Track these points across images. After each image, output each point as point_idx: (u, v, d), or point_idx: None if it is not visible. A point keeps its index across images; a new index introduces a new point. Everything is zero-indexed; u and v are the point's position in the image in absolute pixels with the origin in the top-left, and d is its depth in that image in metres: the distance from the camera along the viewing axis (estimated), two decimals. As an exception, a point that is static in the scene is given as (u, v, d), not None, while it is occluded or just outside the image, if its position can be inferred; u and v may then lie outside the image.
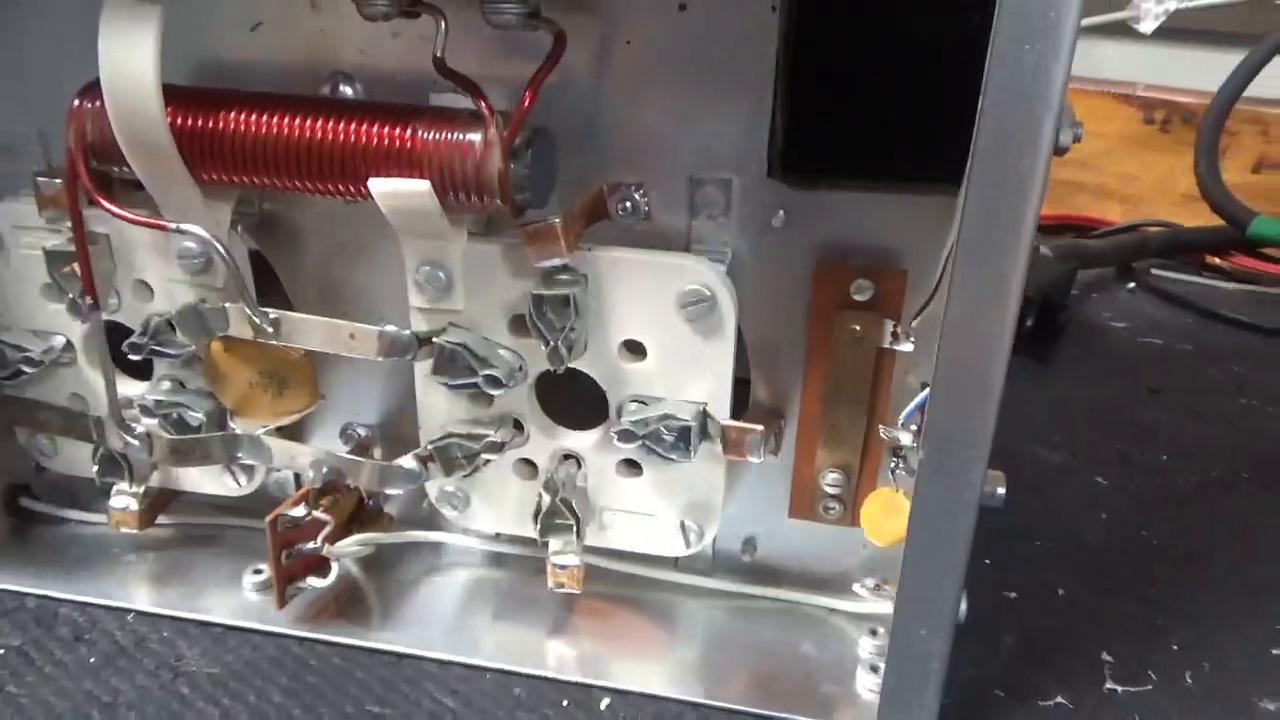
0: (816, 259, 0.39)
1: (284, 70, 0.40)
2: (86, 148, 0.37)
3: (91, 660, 0.40)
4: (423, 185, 0.34)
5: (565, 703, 0.38)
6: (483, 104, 0.34)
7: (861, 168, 0.37)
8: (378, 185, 0.35)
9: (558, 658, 0.41)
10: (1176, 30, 0.89)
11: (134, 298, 0.42)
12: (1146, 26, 0.85)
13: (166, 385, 0.43)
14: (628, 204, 0.39)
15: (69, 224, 0.40)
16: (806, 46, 0.36)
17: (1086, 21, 0.31)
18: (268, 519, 0.40)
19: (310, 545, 0.41)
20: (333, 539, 0.41)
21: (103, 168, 0.38)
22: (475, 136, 0.34)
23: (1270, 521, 0.52)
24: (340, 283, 0.44)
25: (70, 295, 0.41)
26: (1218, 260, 0.90)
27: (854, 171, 0.37)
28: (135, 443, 0.41)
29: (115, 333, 0.43)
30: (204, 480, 0.45)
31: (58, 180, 0.39)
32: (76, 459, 0.46)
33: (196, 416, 0.42)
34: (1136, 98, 0.94)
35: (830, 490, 0.41)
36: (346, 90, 0.40)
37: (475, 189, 0.35)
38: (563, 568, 0.41)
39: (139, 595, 0.44)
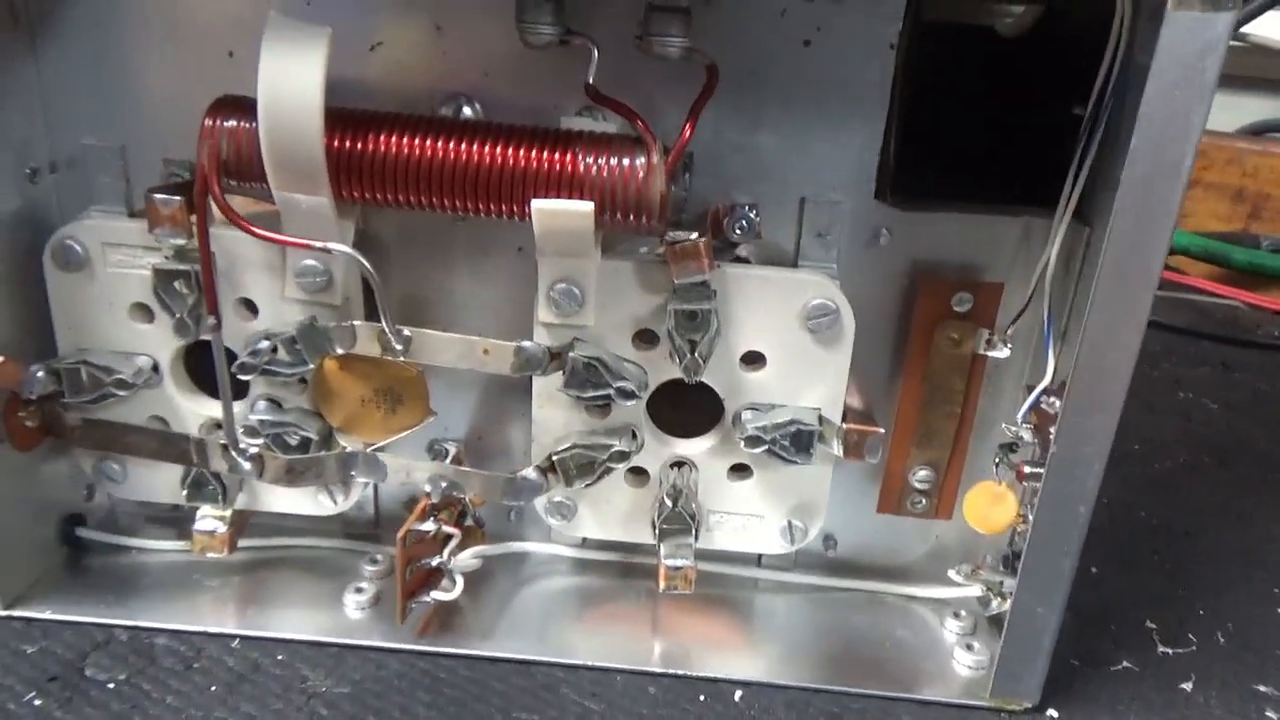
0: (912, 274, 0.42)
1: (399, 91, 0.40)
2: (220, 166, 0.37)
3: (212, 689, 0.39)
4: (586, 206, 0.36)
5: (702, 697, 0.40)
6: (643, 129, 0.36)
7: (963, 192, 0.41)
8: (542, 205, 0.36)
9: (676, 655, 0.43)
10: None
11: (235, 316, 0.41)
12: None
13: (263, 405, 0.42)
14: (743, 223, 0.41)
15: (172, 241, 0.39)
16: (919, 83, 0.39)
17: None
18: (399, 534, 0.40)
19: (437, 559, 0.41)
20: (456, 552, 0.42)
21: (230, 186, 0.37)
22: (640, 160, 0.36)
23: (1238, 497, 0.60)
24: (422, 298, 0.44)
25: (178, 314, 0.40)
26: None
27: (956, 195, 0.41)
28: (247, 465, 0.41)
29: (192, 353, 0.43)
30: (295, 500, 0.44)
31: (178, 198, 0.38)
32: (149, 483, 0.45)
33: (305, 435, 0.41)
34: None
35: (919, 486, 0.45)
36: (467, 111, 0.40)
37: (636, 211, 0.36)
38: (677, 569, 0.43)
39: (238, 620, 0.43)
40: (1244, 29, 1.09)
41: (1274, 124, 1.17)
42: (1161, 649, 0.45)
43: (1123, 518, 0.57)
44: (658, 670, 0.42)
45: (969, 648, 0.43)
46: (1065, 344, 0.39)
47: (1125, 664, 0.44)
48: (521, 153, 0.36)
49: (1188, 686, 0.43)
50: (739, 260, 0.41)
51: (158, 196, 0.38)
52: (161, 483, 0.44)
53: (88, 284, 0.41)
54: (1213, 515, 0.57)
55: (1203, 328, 0.88)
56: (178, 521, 0.48)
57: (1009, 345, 0.41)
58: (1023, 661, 0.40)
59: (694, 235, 0.37)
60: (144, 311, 0.42)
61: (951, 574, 0.44)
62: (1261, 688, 0.43)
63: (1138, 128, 0.32)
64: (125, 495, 0.45)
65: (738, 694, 0.41)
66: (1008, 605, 0.41)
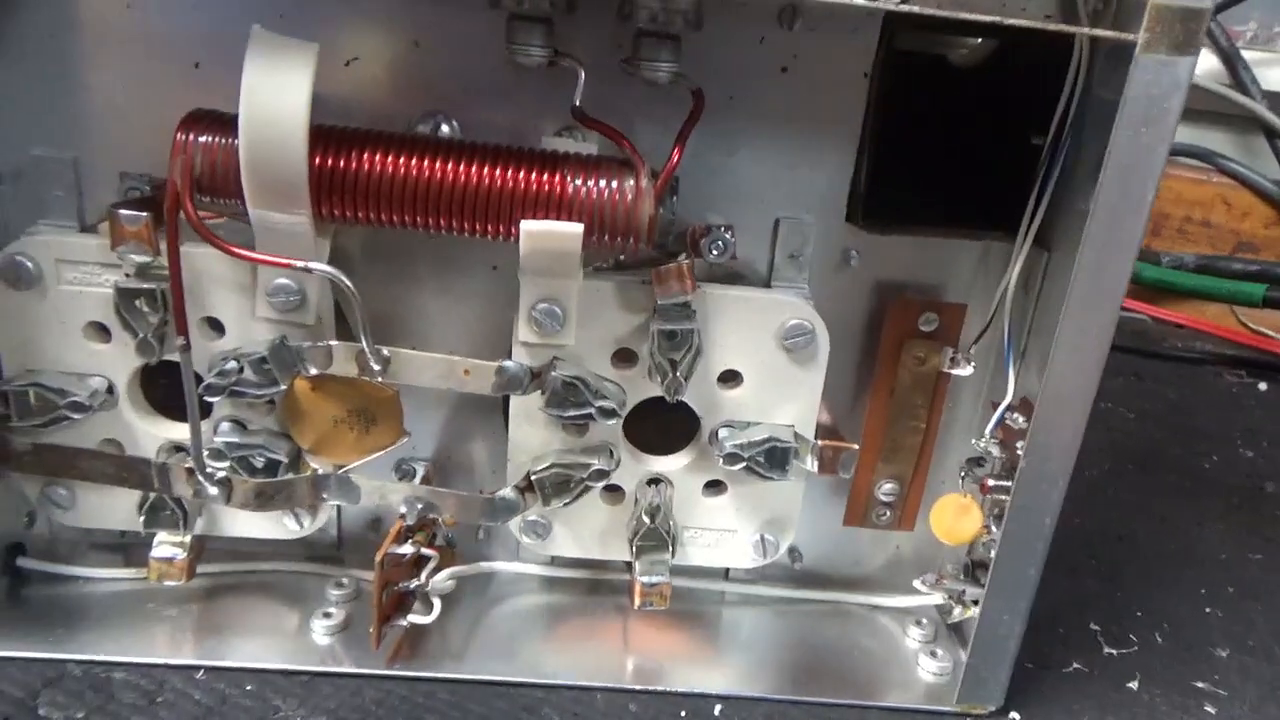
0: (880, 295, 0.44)
1: (374, 107, 0.40)
2: (194, 182, 0.35)
3: (179, 724, 0.38)
4: (576, 228, 0.36)
5: (683, 712, 0.41)
6: (632, 151, 0.36)
7: (928, 216, 0.42)
8: (531, 227, 0.36)
9: (651, 672, 0.43)
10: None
11: (199, 336, 0.40)
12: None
13: (228, 427, 0.41)
14: (719, 244, 0.41)
15: (136, 258, 0.37)
16: (889, 109, 0.41)
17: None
18: (377, 558, 0.39)
19: (415, 582, 0.41)
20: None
21: (201, 202, 0.36)
22: (629, 183, 0.36)
23: (1160, 502, 0.63)
24: (388, 314, 0.44)
25: (141, 334, 0.38)
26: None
27: (921, 219, 0.42)
28: (214, 490, 0.39)
29: (144, 374, 0.41)
30: (259, 524, 0.43)
31: (145, 214, 0.36)
32: (99, 509, 0.43)
33: (273, 458, 0.40)
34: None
35: (884, 499, 0.46)
36: (444, 129, 0.40)
37: (625, 233, 0.37)
38: (652, 586, 0.43)
39: (200, 650, 0.41)
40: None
41: (1172, 148, 1.24)
42: (1107, 650, 0.48)
43: (1060, 524, 0.59)
44: (636, 687, 0.42)
45: (933, 655, 0.45)
46: (1024, 362, 0.41)
47: (1075, 665, 0.46)
48: (510, 174, 0.36)
49: (1134, 685, 0.45)
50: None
51: (123, 213, 0.36)
52: (113, 508, 0.42)
53: (38, 302, 0.39)
54: (1139, 520, 0.61)
55: (1115, 340, 0.92)
56: (122, 548, 0.46)
57: (972, 363, 0.43)
58: (989, 667, 0.42)
59: (680, 257, 0.38)
60: (99, 331, 0.40)
61: (916, 584, 0.45)
62: (1199, 684, 0.46)
63: (1107, 163, 0.34)
64: (73, 522, 0.43)
65: (717, 708, 0.41)
66: (970, 613, 0.43)
